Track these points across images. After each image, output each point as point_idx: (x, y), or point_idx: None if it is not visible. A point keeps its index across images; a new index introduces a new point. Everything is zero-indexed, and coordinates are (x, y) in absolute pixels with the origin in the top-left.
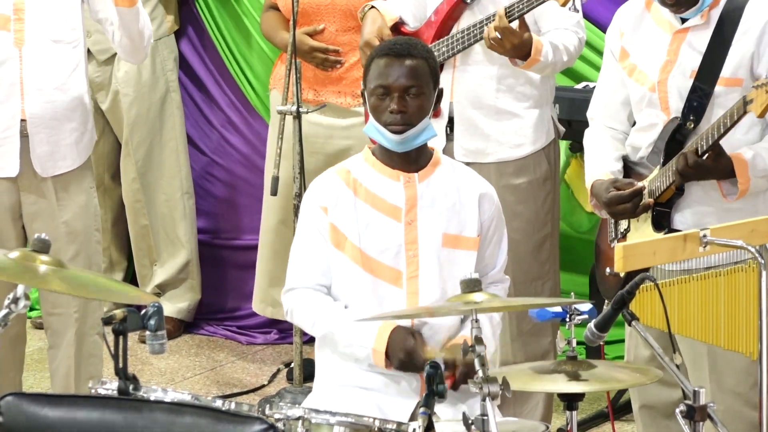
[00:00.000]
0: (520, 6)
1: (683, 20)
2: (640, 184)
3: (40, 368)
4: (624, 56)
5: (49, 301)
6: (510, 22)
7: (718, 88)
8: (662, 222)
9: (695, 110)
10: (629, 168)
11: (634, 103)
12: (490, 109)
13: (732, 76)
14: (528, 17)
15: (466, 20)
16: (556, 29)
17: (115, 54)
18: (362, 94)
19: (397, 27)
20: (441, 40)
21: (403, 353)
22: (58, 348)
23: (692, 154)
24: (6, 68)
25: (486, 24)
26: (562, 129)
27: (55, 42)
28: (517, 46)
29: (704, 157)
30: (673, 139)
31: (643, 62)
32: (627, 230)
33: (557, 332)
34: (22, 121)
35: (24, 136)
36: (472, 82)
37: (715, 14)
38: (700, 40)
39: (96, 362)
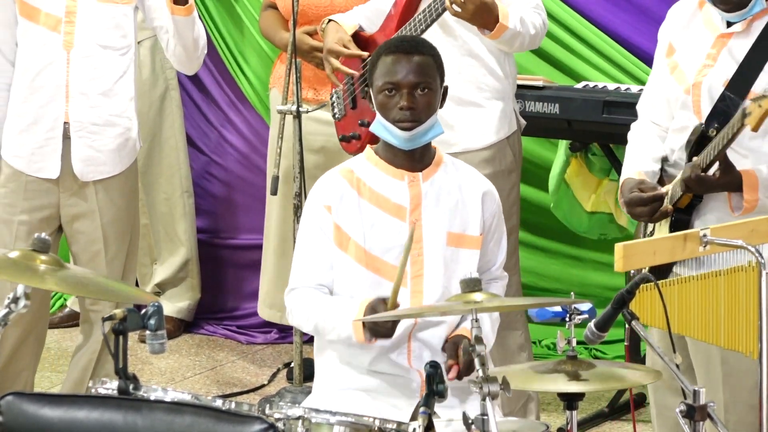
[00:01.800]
0: None
1: (729, 25)
2: (663, 189)
3: (40, 368)
4: (670, 52)
5: (87, 298)
6: None
7: (747, 102)
8: (680, 228)
9: (720, 119)
10: (664, 170)
11: (671, 101)
12: (452, 99)
13: (761, 93)
14: None
15: (423, 7)
16: (518, 5)
17: None
18: (331, 95)
19: (358, 34)
20: (403, 27)
21: (369, 311)
22: (86, 342)
23: (696, 167)
24: (53, 70)
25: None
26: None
27: (103, 47)
28: (481, 10)
29: (711, 172)
30: (699, 146)
31: (684, 61)
32: (651, 233)
33: (526, 326)
34: (65, 123)
35: (66, 138)
36: None
37: (759, 25)
38: (741, 49)
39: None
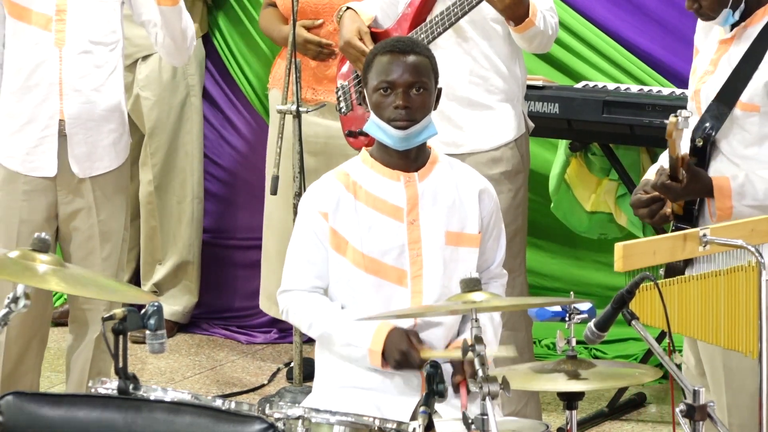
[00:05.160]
0: None
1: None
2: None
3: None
4: (696, 54)
5: (80, 297)
6: None
7: (737, 111)
8: None
9: (702, 131)
10: None
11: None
12: (462, 101)
13: (749, 102)
14: None
15: (439, 8)
16: (540, 6)
17: (137, 60)
18: (337, 90)
19: (371, 30)
20: (418, 27)
21: (399, 354)
22: (80, 342)
23: (665, 175)
24: (46, 68)
25: (459, 4)
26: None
27: (94, 44)
28: (515, 2)
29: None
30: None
31: (696, 66)
32: None
33: (530, 326)
34: (61, 121)
35: (63, 136)
36: (445, 73)
37: (753, 32)
38: (737, 56)
39: (106, 358)
